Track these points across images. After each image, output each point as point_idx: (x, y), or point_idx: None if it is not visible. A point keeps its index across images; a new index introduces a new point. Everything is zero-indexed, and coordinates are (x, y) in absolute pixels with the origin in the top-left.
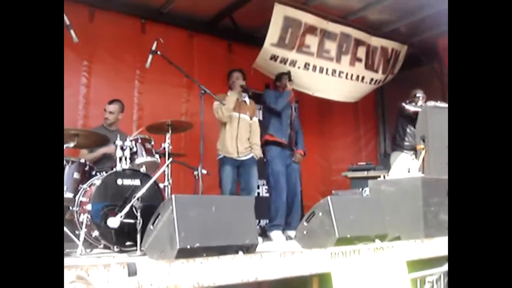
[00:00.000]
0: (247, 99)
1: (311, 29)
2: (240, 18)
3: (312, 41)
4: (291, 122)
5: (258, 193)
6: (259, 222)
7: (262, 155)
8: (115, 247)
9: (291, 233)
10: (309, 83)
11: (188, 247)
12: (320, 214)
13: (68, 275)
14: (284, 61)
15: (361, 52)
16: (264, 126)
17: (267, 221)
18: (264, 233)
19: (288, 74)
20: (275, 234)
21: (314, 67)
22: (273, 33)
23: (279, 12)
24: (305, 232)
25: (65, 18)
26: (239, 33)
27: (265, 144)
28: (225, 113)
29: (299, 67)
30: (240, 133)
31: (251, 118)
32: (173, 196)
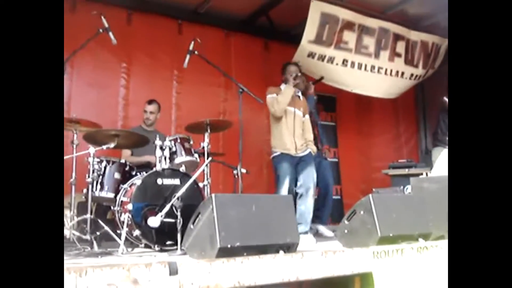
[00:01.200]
0: (300, 95)
1: (349, 25)
2: (276, 16)
3: (350, 37)
4: (313, 120)
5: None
6: None
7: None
8: (155, 246)
9: (321, 227)
10: (348, 79)
11: (229, 246)
12: (362, 212)
13: (109, 275)
14: (322, 58)
15: (400, 47)
16: None
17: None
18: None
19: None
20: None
21: (353, 63)
22: (310, 30)
23: (316, 9)
24: (346, 231)
25: (104, 21)
26: (275, 31)
27: None
28: (281, 106)
29: (337, 64)
30: (296, 128)
31: (304, 115)
32: (213, 195)
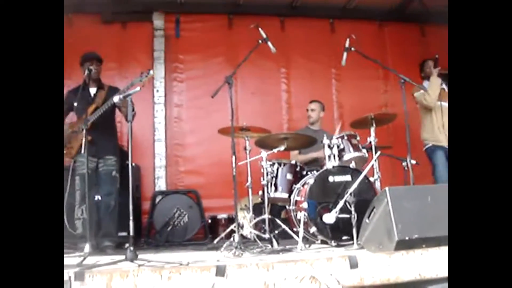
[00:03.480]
0: (444, 86)
1: None
2: None
3: None
4: None
5: None
6: None
7: None
8: (332, 241)
9: None
10: None
11: (407, 238)
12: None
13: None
14: None
15: None
16: None
17: None
18: None
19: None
20: None
21: None
22: None
23: None
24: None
25: (262, 32)
26: (430, 14)
27: None
28: (433, 97)
29: None
30: (444, 121)
31: None
32: (387, 188)
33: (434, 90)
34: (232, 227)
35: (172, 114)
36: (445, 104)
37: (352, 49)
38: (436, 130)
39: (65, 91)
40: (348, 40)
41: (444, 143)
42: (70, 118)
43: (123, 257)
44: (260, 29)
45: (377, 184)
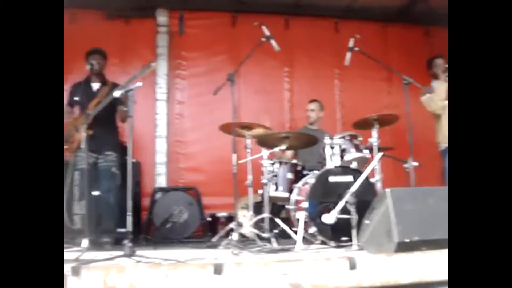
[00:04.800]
0: None
1: None
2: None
3: None
4: None
5: None
6: None
7: None
8: (331, 242)
9: None
10: None
11: (407, 240)
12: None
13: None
14: None
15: None
16: None
17: None
18: None
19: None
20: None
21: None
22: None
23: None
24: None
25: (265, 30)
26: (436, 15)
27: None
28: (439, 104)
29: None
30: None
31: None
32: (387, 189)
33: (440, 96)
34: (231, 225)
35: (174, 111)
36: None
37: (356, 49)
38: (447, 132)
39: (69, 85)
40: (352, 40)
41: None
42: (75, 112)
43: (121, 253)
44: (263, 27)
45: (379, 186)
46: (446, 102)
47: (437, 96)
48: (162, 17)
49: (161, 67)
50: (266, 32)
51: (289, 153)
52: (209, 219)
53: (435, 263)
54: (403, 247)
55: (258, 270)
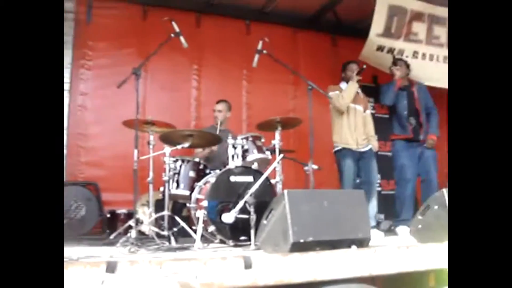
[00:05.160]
0: (359, 91)
1: (418, 16)
2: (343, 11)
3: (419, 28)
4: (415, 109)
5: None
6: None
7: (381, 150)
8: (230, 241)
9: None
10: (419, 72)
11: (301, 241)
12: (436, 207)
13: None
14: (391, 51)
15: None
16: (389, 123)
17: None
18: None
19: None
20: (401, 230)
21: (424, 55)
22: (377, 23)
23: (383, 2)
24: (420, 226)
25: (175, 26)
26: (342, 26)
27: (391, 141)
28: (347, 101)
29: (407, 56)
30: (357, 124)
31: (364, 111)
32: (285, 191)
33: (349, 94)
34: (130, 222)
35: (77, 102)
36: (359, 108)
37: (264, 52)
38: (347, 132)
39: None
40: (261, 42)
41: (354, 146)
42: None
43: None
44: (173, 22)
45: (279, 187)
46: (351, 105)
47: (346, 93)
48: (68, 3)
49: (65, 55)
50: (176, 28)
51: (199, 150)
52: (109, 215)
53: (328, 263)
54: (298, 247)
55: (152, 269)
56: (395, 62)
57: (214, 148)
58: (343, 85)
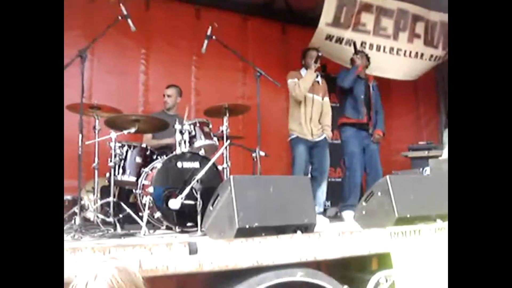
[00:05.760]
0: (319, 79)
1: (367, 7)
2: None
3: (368, 19)
4: (369, 100)
5: None
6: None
7: (332, 138)
8: (176, 227)
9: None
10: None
11: (247, 226)
12: (379, 194)
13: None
14: (339, 40)
15: (420, 28)
16: (340, 109)
17: None
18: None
19: (318, 56)
20: (347, 214)
21: (371, 46)
22: (327, 12)
23: None
24: (364, 212)
25: (123, 8)
26: (293, 15)
27: (340, 125)
28: (303, 91)
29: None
30: (313, 115)
31: (322, 98)
32: (231, 176)
33: (306, 82)
34: (74, 209)
35: None
36: (317, 97)
37: (214, 37)
38: (303, 122)
39: None
40: (210, 28)
41: (308, 136)
42: None
43: None
44: (121, 5)
45: (227, 173)
46: (308, 94)
47: (303, 83)
48: None
49: None
50: (124, 10)
51: (149, 135)
52: None
53: (272, 248)
54: (243, 232)
55: (95, 256)
56: (356, 52)
57: (171, 141)
58: (303, 71)
